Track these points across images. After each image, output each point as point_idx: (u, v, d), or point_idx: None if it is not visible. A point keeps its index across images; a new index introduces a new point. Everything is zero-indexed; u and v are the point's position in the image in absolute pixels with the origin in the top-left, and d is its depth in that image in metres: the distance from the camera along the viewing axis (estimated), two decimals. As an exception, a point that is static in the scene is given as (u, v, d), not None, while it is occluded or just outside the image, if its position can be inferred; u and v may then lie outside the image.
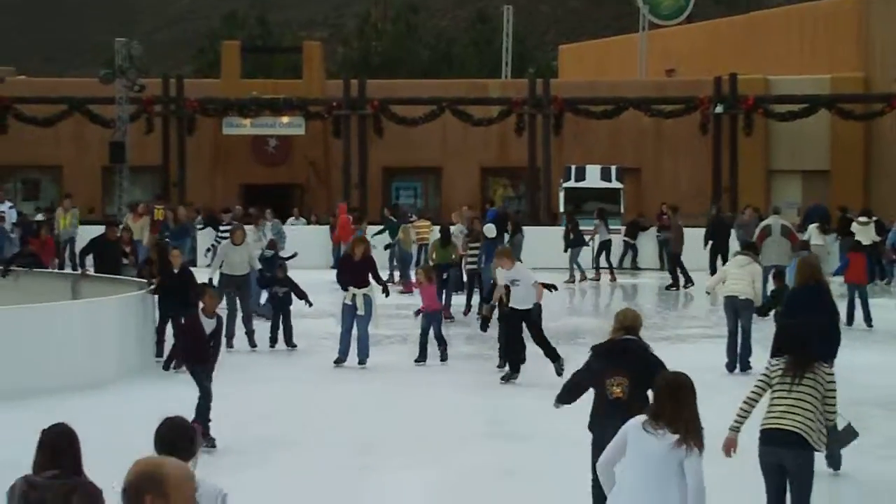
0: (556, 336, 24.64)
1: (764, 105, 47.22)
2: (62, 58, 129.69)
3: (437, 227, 30.21)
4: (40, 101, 46.54)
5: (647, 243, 41.33)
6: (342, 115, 48.15)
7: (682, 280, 34.39)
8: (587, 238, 36.16)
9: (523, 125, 47.56)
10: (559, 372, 18.54)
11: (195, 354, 15.01)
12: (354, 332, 20.78)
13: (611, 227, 37.58)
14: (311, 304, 22.52)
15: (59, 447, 7.02)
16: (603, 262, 36.63)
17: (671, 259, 35.41)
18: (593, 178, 44.01)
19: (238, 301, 22.75)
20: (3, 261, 24.59)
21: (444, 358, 21.03)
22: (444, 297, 25.89)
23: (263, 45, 77.40)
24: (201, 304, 15.30)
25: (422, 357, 21.05)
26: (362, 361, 20.68)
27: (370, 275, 21.10)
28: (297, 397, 18.26)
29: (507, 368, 19.85)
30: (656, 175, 49.25)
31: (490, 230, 28.04)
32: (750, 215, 37.22)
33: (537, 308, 19.48)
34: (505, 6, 67.69)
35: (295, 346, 22.60)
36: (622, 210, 43.05)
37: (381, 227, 35.54)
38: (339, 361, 20.66)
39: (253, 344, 22.58)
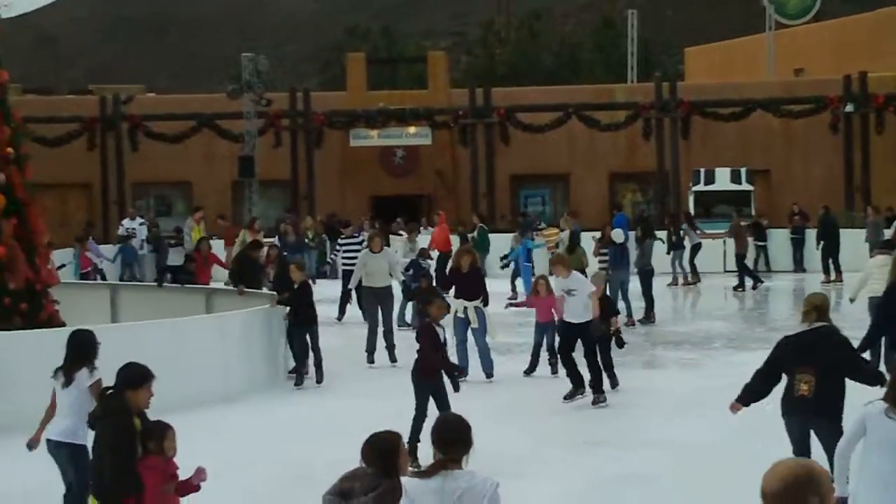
0: (687, 341, 24.44)
1: (895, 103, 46.31)
2: (190, 74, 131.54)
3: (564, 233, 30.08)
4: (169, 118, 47.16)
5: (782, 244, 40.59)
6: (468, 123, 48.14)
7: (749, 281, 34.39)
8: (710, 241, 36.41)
9: (650, 129, 47.21)
10: (597, 401, 17.70)
11: (429, 365, 14.44)
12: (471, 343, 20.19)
13: (706, 230, 37.29)
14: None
15: (383, 450, 7.48)
16: (687, 265, 36.37)
17: (736, 259, 35.35)
18: (723, 180, 43.50)
19: (380, 314, 22.02)
20: (158, 271, 24.94)
21: (554, 371, 20.16)
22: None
23: (388, 56, 77.77)
24: (430, 313, 14.74)
25: (532, 368, 20.50)
26: (489, 375, 19.96)
27: (479, 287, 20.31)
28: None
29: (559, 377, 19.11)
30: (787, 176, 48.50)
31: (618, 235, 27.77)
32: (873, 215, 36.79)
33: (596, 325, 18.05)
34: (629, 10, 67.33)
35: None
36: (753, 212, 42.43)
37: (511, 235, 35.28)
38: (458, 376, 19.93)
39: (393, 359, 21.64)
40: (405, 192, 49.91)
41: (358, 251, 25.26)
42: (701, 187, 43.49)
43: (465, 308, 20.08)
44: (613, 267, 26.84)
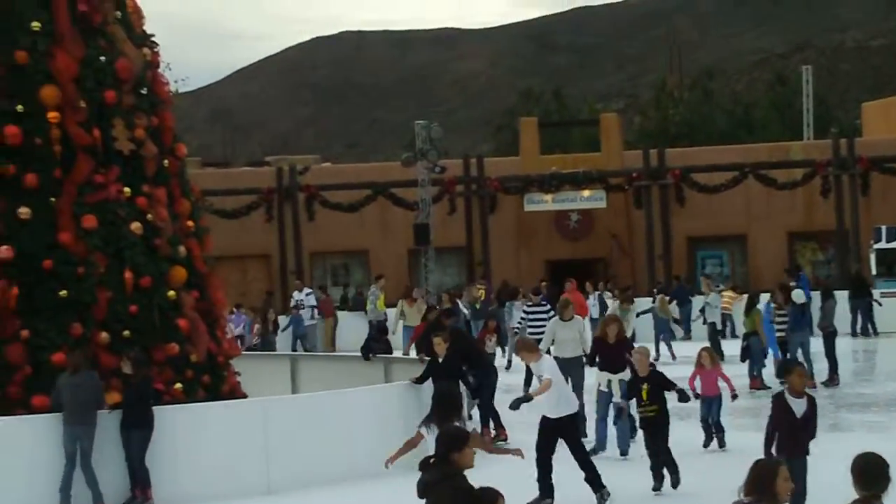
0: (874, 403, 23.66)
1: None
2: (365, 142, 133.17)
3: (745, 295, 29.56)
4: (345, 187, 47.62)
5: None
6: (643, 185, 47.75)
7: None
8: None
9: (829, 187, 46.24)
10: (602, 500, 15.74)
11: (790, 442, 12.77)
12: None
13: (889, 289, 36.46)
14: (687, 399, 18.25)
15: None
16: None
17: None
18: (906, 238, 42.46)
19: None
20: (364, 347, 24.68)
21: (722, 445, 19.20)
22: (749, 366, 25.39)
23: (560, 119, 77.70)
24: (788, 383, 13.22)
25: (708, 440, 19.27)
26: (624, 452, 18.77)
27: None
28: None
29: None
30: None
31: (799, 296, 27.10)
32: None
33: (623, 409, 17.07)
34: (804, 66, 66.33)
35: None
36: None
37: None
38: (595, 452, 18.27)
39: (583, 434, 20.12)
40: (580, 256, 49.59)
41: (545, 320, 24.72)
42: (883, 245, 42.47)
43: (609, 381, 19.01)
44: (793, 329, 26.17)
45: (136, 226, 18.83)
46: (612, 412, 19.02)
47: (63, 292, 17.76)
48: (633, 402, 16.94)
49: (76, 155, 18.47)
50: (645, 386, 16.20)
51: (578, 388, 20.46)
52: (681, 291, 39.18)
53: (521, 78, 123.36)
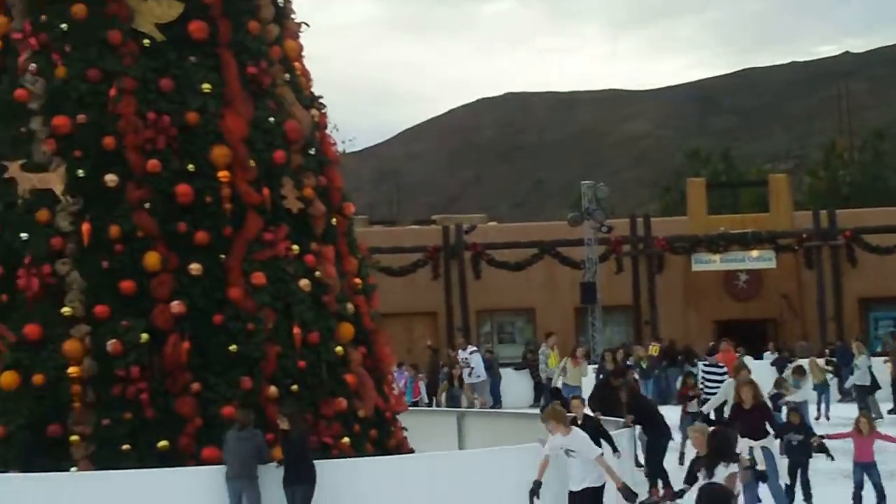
0: None
1: None
2: (531, 201, 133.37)
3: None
4: (511, 246, 47.76)
5: None
6: (813, 246, 47.07)
7: None
8: None
9: None
10: None
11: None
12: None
13: None
14: (832, 458, 18.99)
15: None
16: None
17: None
18: None
19: None
20: (542, 407, 24.60)
21: None
22: None
23: (728, 180, 77.00)
24: None
25: None
26: None
27: (766, 424, 18.28)
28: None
29: None
30: None
31: None
32: None
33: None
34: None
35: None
36: None
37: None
38: None
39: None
40: (750, 317, 48.97)
41: (721, 380, 24.38)
42: None
43: (751, 448, 18.01)
44: None
45: (304, 283, 19.07)
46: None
47: (233, 347, 18.03)
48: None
49: (246, 213, 18.78)
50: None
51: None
52: (844, 353, 38.41)
53: (686, 138, 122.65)
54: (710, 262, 48.41)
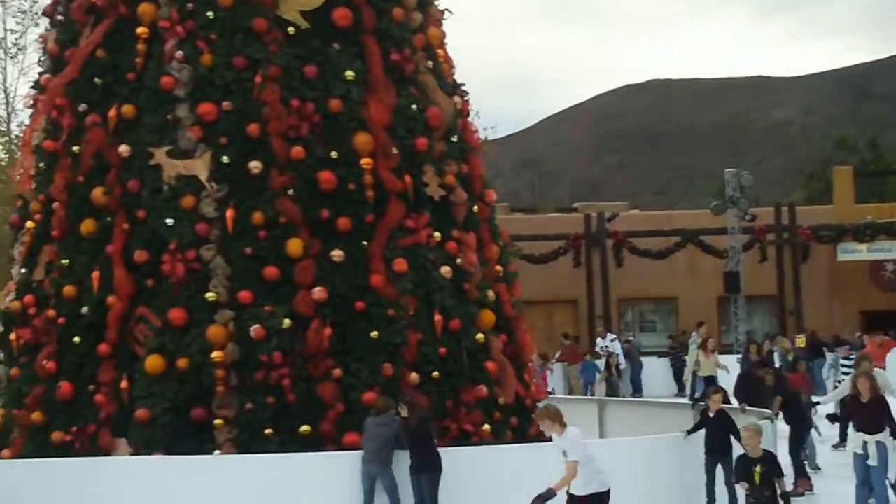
0: None
1: None
2: (674, 189, 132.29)
3: None
4: (654, 234, 47.40)
5: None
6: (961, 235, 46.08)
7: None
8: None
9: None
10: None
11: None
12: None
13: None
14: None
15: None
16: None
17: None
18: None
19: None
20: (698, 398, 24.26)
21: None
22: None
23: (876, 168, 75.66)
24: None
25: None
26: None
27: (884, 418, 17.17)
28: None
29: None
30: None
31: None
32: None
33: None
34: None
35: None
36: None
37: None
38: None
39: None
40: (897, 308, 48.06)
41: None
42: None
43: (865, 443, 17.07)
44: None
45: (445, 270, 19.11)
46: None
47: (374, 333, 18.13)
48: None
49: (388, 200, 18.88)
50: (758, 468, 14.02)
51: None
52: None
53: (835, 126, 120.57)
54: (856, 252, 47.62)
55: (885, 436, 16.84)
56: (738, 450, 16.50)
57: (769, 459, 14.15)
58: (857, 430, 17.25)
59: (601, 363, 37.66)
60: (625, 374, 37.51)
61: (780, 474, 14.10)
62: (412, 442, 16.36)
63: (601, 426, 24.98)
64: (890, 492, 17.15)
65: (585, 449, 14.10)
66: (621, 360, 37.67)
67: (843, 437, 24.54)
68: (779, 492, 13.92)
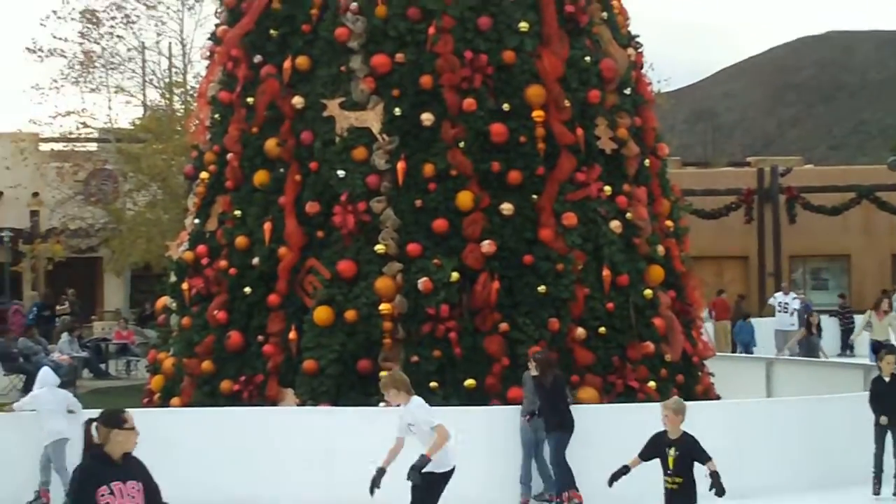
0: None
1: None
2: (849, 144, 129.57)
3: None
4: (828, 190, 46.47)
5: None
6: None
7: None
8: None
9: None
10: None
11: None
12: None
13: None
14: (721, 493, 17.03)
15: None
16: None
17: None
18: None
19: None
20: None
21: None
22: None
23: None
24: None
25: None
26: None
27: None
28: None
29: None
30: None
31: None
32: None
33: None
34: None
35: None
36: None
37: None
38: (877, 493, 16.39)
39: None
40: None
41: None
42: None
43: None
44: None
45: (615, 224, 18.98)
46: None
47: (542, 288, 18.10)
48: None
49: (559, 153, 18.79)
50: (672, 451, 11.95)
51: None
52: None
53: None
54: None
55: None
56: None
57: (687, 443, 11.95)
58: (878, 412, 16.31)
59: (788, 318, 36.03)
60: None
61: (702, 459, 11.91)
62: (543, 402, 15.97)
63: (768, 386, 24.62)
64: None
65: (433, 416, 12.21)
66: (795, 319, 36.35)
67: None
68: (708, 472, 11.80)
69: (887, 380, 16.51)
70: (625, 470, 11.92)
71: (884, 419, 16.28)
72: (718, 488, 11.69)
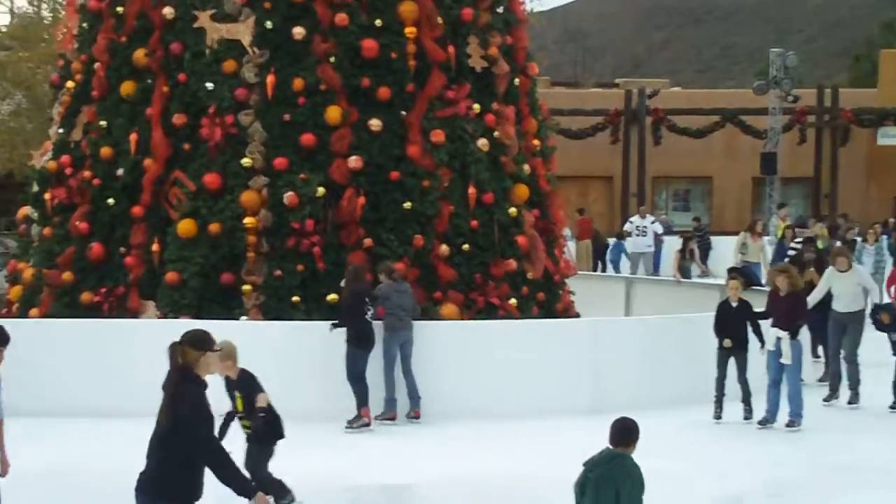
0: None
1: None
2: (717, 67, 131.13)
3: None
4: (693, 112, 47.06)
5: None
6: None
7: None
8: None
9: None
10: None
11: None
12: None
13: None
14: None
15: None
16: None
17: None
18: None
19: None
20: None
21: None
22: None
23: (924, 52, 74.75)
24: None
25: None
26: (791, 423, 16.07)
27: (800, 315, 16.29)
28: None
29: None
30: None
31: None
32: None
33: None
34: None
35: None
36: None
37: None
38: (764, 422, 16.21)
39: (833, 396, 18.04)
40: (934, 194, 47.91)
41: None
42: None
43: (779, 339, 16.18)
44: None
45: (482, 142, 19.13)
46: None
47: (407, 204, 18.21)
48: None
49: (430, 70, 18.84)
50: (238, 394, 11.47)
51: (854, 345, 17.96)
52: None
53: (885, 8, 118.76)
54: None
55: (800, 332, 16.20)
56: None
57: (246, 383, 11.40)
58: (772, 325, 16.30)
59: (646, 240, 36.51)
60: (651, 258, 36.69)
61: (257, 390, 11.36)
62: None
63: (627, 304, 25.10)
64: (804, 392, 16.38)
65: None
66: (651, 241, 36.60)
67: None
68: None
69: (734, 304, 16.56)
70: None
71: (727, 342, 16.48)
72: (255, 421, 11.27)
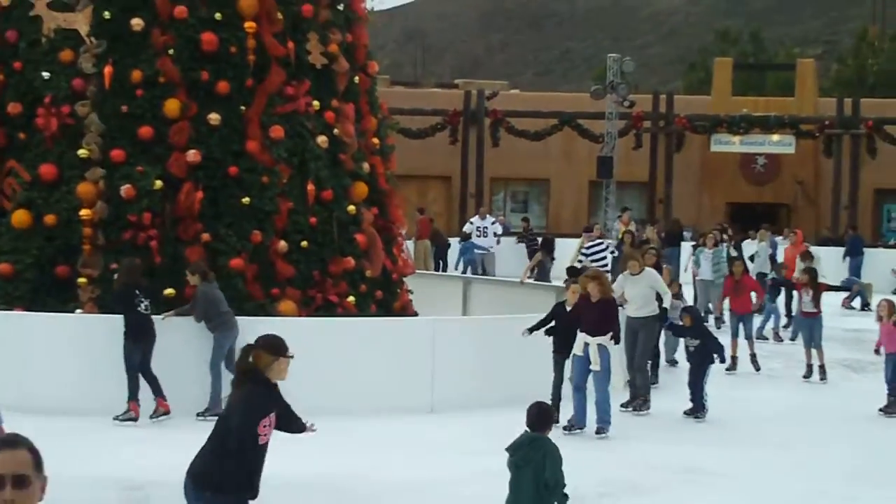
0: None
1: None
2: (555, 71, 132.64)
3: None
4: (532, 115, 47.54)
5: None
6: (834, 134, 46.91)
7: None
8: None
9: None
10: None
11: None
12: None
13: None
14: (724, 361, 18.32)
15: None
16: None
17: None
18: None
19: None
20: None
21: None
22: None
23: (756, 62, 76.51)
24: None
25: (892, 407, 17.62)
26: (600, 430, 15.99)
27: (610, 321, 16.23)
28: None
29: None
30: None
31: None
32: None
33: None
34: None
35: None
36: None
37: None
38: (569, 427, 16.05)
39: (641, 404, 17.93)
40: (764, 201, 49.07)
41: (601, 256, 24.47)
42: None
43: (586, 345, 16.10)
44: None
45: (322, 139, 19.13)
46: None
47: (246, 199, 18.13)
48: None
49: (269, 66, 18.78)
50: None
51: (644, 352, 18.10)
52: (856, 242, 38.35)
53: (718, 18, 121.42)
54: (729, 144, 48.30)
55: (607, 339, 16.05)
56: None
57: None
58: (582, 331, 16.17)
59: (488, 241, 36.76)
60: (493, 259, 36.97)
61: None
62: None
63: (465, 304, 25.27)
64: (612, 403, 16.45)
65: None
66: (492, 242, 37.03)
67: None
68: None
69: (570, 308, 16.56)
70: None
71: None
72: None
